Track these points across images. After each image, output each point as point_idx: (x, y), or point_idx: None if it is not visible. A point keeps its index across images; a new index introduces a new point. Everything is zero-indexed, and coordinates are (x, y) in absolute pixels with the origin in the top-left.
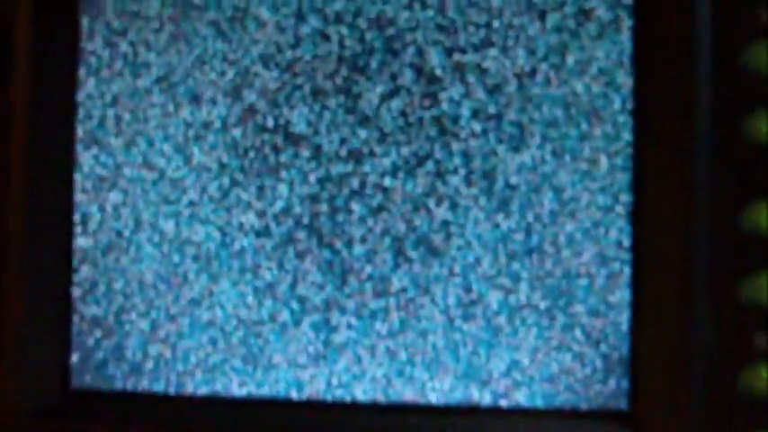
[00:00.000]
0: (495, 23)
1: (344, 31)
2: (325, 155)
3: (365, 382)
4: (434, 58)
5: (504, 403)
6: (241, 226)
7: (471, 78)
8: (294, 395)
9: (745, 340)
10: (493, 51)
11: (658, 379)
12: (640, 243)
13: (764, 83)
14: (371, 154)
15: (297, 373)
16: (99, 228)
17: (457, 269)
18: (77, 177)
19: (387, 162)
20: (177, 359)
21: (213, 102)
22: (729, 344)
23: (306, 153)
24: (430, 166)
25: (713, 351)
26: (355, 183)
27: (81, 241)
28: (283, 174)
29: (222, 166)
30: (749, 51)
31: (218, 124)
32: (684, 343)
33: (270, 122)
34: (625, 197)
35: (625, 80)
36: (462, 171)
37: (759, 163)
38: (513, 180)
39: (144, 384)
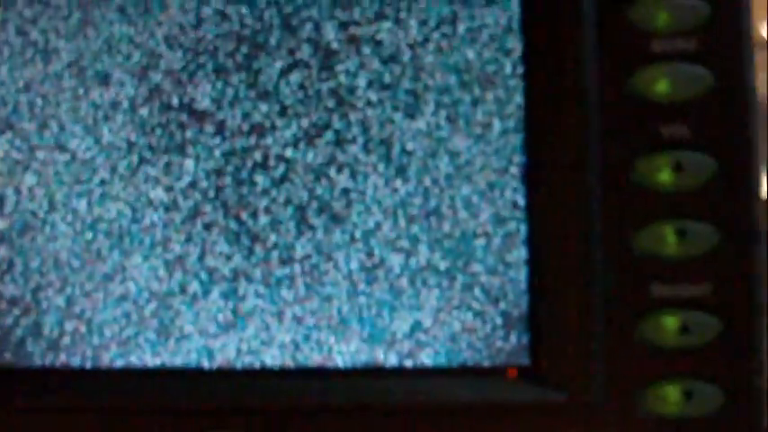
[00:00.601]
0: None
1: (244, 10)
2: (228, 130)
3: (273, 348)
4: (330, 32)
5: (409, 363)
6: (150, 201)
7: (366, 50)
8: (206, 363)
9: (643, 291)
10: (386, 23)
11: (558, 333)
12: (535, 201)
13: (650, 39)
14: (273, 127)
15: (208, 341)
16: (14, 209)
17: (358, 235)
18: None
19: (288, 134)
20: (93, 333)
21: (121, 83)
22: (627, 295)
23: (210, 129)
24: (329, 136)
25: (611, 303)
26: (258, 155)
27: None
28: (189, 149)
29: (131, 144)
30: (635, 9)
31: (126, 104)
32: (582, 296)
33: (175, 101)
34: (518, 158)
35: (515, 45)
36: (360, 139)
37: (648, 117)
38: (410, 146)
39: (62, 360)
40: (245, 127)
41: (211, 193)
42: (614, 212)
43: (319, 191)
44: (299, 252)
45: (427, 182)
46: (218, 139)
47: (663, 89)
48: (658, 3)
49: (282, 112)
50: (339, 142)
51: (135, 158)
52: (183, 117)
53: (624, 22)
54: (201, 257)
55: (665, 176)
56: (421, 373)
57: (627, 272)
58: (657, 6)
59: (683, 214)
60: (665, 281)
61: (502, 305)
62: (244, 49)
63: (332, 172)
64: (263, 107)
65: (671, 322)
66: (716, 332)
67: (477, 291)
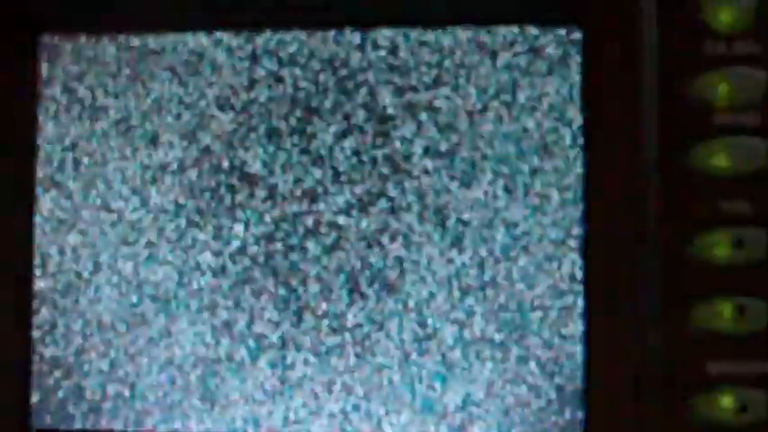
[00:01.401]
0: (446, 62)
1: (298, 72)
2: (279, 194)
3: (322, 417)
4: (386, 97)
5: None
6: (198, 266)
7: (423, 117)
8: (251, 431)
9: (699, 368)
10: (444, 90)
11: (613, 409)
12: (592, 275)
13: (710, 114)
14: (326, 192)
15: (254, 409)
16: (58, 269)
17: (411, 304)
18: (37, 220)
19: (341, 200)
20: (136, 397)
21: (170, 144)
22: (683, 372)
23: (261, 193)
24: (383, 203)
25: (667, 380)
26: (310, 221)
27: (40, 283)
28: (239, 214)
29: (179, 206)
30: (695, 83)
31: (174, 166)
32: (637, 372)
33: (225, 163)
34: (577, 230)
35: (575, 115)
36: (415, 208)
37: (708, 192)
38: (466, 216)
39: (103, 423)
40: (297, 192)
41: (261, 259)
42: (672, 287)
43: (372, 259)
44: (349, 321)
45: (483, 252)
46: (268, 204)
47: (723, 163)
48: (720, 76)
49: (335, 177)
50: (393, 210)
51: (183, 221)
52: (234, 180)
53: (685, 95)
54: (249, 324)
55: (723, 251)
56: None
57: (683, 349)
58: (719, 80)
59: (742, 291)
60: (722, 358)
61: (557, 379)
62: (297, 113)
63: (385, 240)
64: (316, 172)
65: (728, 401)
66: None
67: (531, 364)
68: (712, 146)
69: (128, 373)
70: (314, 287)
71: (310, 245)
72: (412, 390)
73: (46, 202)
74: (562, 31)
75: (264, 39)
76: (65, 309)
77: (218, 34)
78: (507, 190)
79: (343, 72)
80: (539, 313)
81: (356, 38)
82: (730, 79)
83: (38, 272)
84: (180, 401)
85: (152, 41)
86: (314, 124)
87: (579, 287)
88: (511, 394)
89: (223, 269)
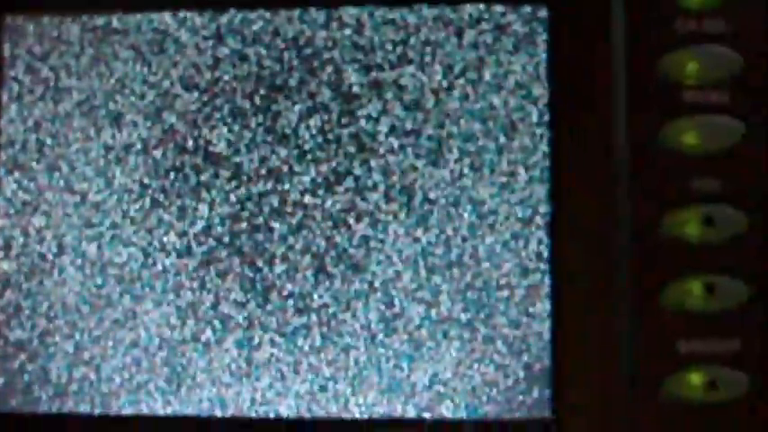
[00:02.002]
0: (412, 40)
1: (262, 50)
2: (244, 174)
3: (289, 398)
4: (352, 75)
5: (427, 416)
6: (163, 246)
7: (389, 95)
8: (218, 413)
9: (670, 347)
10: (410, 68)
11: (581, 387)
12: (559, 253)
13: (679, 92)
14: (291, 172)
15: (221, 390)
16: (22, 252)
17: (377, 284)
18: (0, 202)
19: (306, 180)
20: (102, 380)
21: (134, 124)
22: (653, 351)
23: (226, 173)
24: (349, 182)
25: (636, 359)
26: (275, 201)
27: (4, 265)
28: (204, 194)
29: (143, 187)
30: (664, 61)
31: (138, 146)
32: (606, 351)
33: (190, 143)
34: (544, 208)
35: (541, 92)
36: (381, 187)
37: (677, 170)
38: (432, 194)
39: (69, 406)
40: (262, 171)
41: (226, 239)
42: (641, 266)
43: (338, 239)
44: (316, 301)
45: (449, 231)
46: (233, 184)
47: (692, 141)
48: (689, 53)
49: (301, 156)
50: (359, 189)
51: (147, 202)
52: (198, 160)
53: (654, 73)
54: (215, 305)
55: (693, 229)
56: (440, 425)
57: (653, 327)
58: (688, 57)
59: (712, 269)
60: (692, 336)
61: (524, 358)
62: (262, 92)
63: (351, 220)
64: (282, 151)
65: (698, 379)
66: (744, 389)
67: (499, 343)
68: (681, 124)
69: (93, 356)
70: (280, 267)
71: (276, 224)
72: (379, 370)
73: (9, 184)
74: (528, 9)
75: (229, 17)
76: (29, 291)
77: (183, 13)
78: (474, 168)
79: (308, 51)
80: (505, 292)
81: (321, 16)
82: (699, 57)
83: (1, 254)
84: (146, 383)
85: (116, 21)
86: (279, 103)
87: (546, 266)
88: (478, 373)
89: (188, 250)
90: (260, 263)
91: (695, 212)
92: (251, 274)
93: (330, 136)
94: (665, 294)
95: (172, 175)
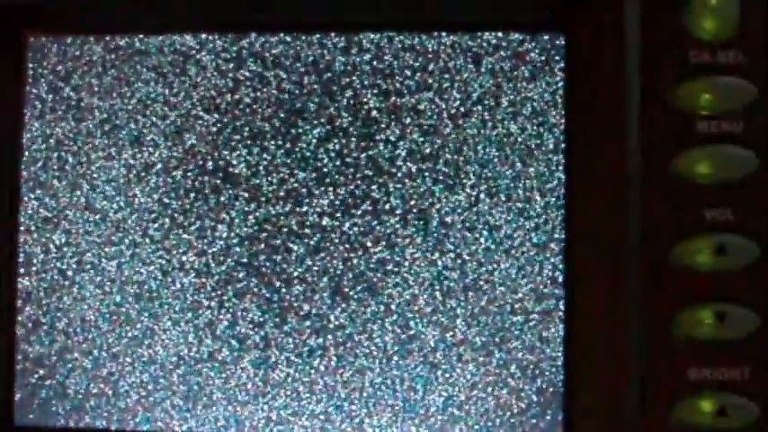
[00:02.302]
0: (431, 67)
1: (282, 74)
2: (263, 195)
3: (304, 418)
4: (371, 100)
5: None
6: (182, 266)
7: (407, 120)
8: (234, 431)
9: (680, 374)
10: (428, 94)
11: (593, 411)
12: (573, 279)
13: (693, 122)
14: (309, 194)
15: (236, 409)
16: (42, 268)
17: (393, 307)
18: (22, 218)
19: (324, 202)
20: (119, 396)
21: (154, 144)
22: (664, 378)
23: (245, 194)
24: (367, 205)
25: (648, 385)
26: (293, 223)
27: (25, 281)
28: (223, 214)
29: (163, 206)
30: (679, 91)
31: (159, 166)
32: (619, 376)
33: (210, 164)
34: (558, 234)
35: (558, 120)
36: (399, 210)
37: (690, 199)
38: (449, 219)
39: (86, 421)
40: (281, 193)
41: (244, 260)
42: (653, 294)
43: (355, 261)
44: (332, 322)
45: (465, 255)
46: (252, 205)
47: (705, 171)
48: (703, 84)
49: (319, 179)
50: (376, 213)
51: (167, 221)
52: (218, 181)
53: (668, 102)
54: (232, 324)
55: (705, 258)
56: None
57: (664, 354)
58: (702, 88)
59: (724, 298)
60: (702, 364)
61: (538, 382)
62: (281, 114)
63: (368, 242)
64: (300, 174)
65: (708, 406)
66: (754, 417)
67: (513, 367)
68: (695, 153)
69: (111, 372)
70: (297, 288)
71: (294, 246)
72: (393, 391)
73: (31, 201)
74: (546, 37)
75: (250, 40)
76: (49, 307)
77: (204, 35)
78: (490, 194)
79: (328, 75)
80: (520, 316)
81: (341, 41)
82: (713, 88)
83: (22, 270)
84: (162, 401)
85: (138, 42)
86: (298, 126)
87: (560, 291)
88: (492, 396)
89: (207, 269)
90: (277, 284)
91: (707, 242)
92: (268, 295)
93: (348, 159)
94: (677, 322)
95: (191, 195)
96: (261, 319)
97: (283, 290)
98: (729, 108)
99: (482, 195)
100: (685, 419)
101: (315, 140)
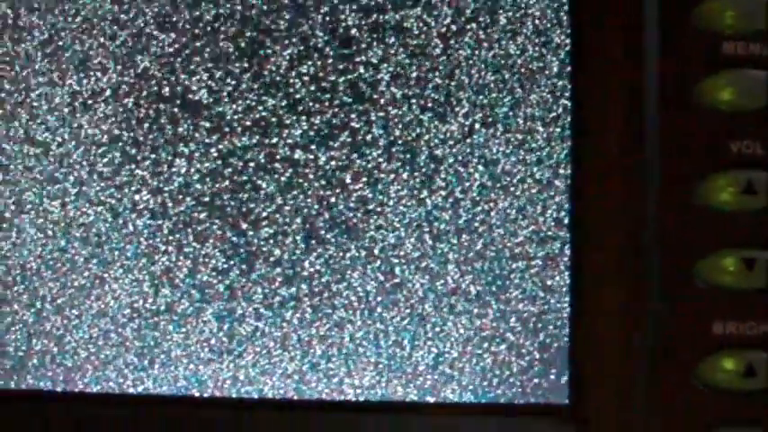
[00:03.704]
0: None
1: None
2: (227, 125)
3: (275, 377)
4: (349, 16)
5: (430, 400)
6: (134, 206)
7: (391, 39)
8: (196, 393)
9: (703, 329)
10: (415, 10)
11: (603, 371)
12: (581, 220)
13: (717, 44)
14: (280, 124)
15: (198, 367)
16: None
17: (376, 251)
18: None
19: (297, 133)
20: (65, 354)
21: (103, 68)
22: (685, 333)
23: (206, 124)
24: (345, 136)
25: (666, 341)
26: (262, 156)
27: None
28: (181, 147)
29: (113, 138)
30: (703, 9)
31: (108, 93)
32: (632, 332)
33: (166, 90)
34: (564, 169)
35: (563, 40)
36: (381, 142)
37: (714, 130)
38: (439, 152)
39: (28, 382)
40: (247, 123)
41: (206, 199)
42: (672, 237)
43: (332, 200)
44: (306, 269)
45: (458, 193)
46: (215, 137)
47: (730, 98)
48: (726, 2)
49: (291, 107)
50: (356, 144)
51: (118, 155)
52: (175, 109)
53: (690, 20)
54: (193, 272)
55: (731, 197)
56: (444, 410)
57: (685, 306)
58: (726, 4)
59: (752, 242)
60: (728, 317)
61: (540, 337)
62: (247, 33)
63: (347, 178)
64: (269, 101)
65: (733, 364)
66: None
67: (512, 319)
68: (719, 79)
69: (55, 327)
70: (266, 231)
71: (262, 183)
72: (376, 347)
73: None
74: None
75: None
76: None
77: None
78: (486, 123)
79: None
80: (520, 262)
81: None
82: (737, 6)
83: None
84: (114, 359)
85: None
86: (267, 47)
87: (566, 234)
88: (488, 353)
89: (163, 210)
90: (244, 225)
91: (733, 178)
92: (234, 239)
93: (324, 84)
94: (699, 269)
95: (145, 125)
96: (225, 266)
97: (250, 233)
98: (756, 27)
99: (477, 125)
100: (709, 379)
101: (285, 63)
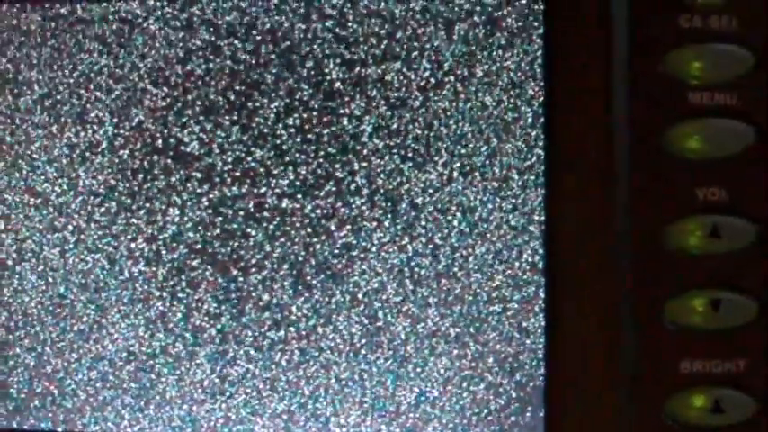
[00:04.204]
0: (398, 34)
1: (237, 43)
2: (218, 176)
3: (265, 417)
4: (333, 71)
5: None
6: (130, 253)
7: (373, 93)
8: None
9: (672, 367)
10: (395, 64)
11: (578, 408)
12: (555, 265)
13: (684, 93)
14: (268, 174)
15: (192, 408)
16: None
17: (360, 296)
18: None
19: (284, 183)
20: (65, 395)
21: (99, 121)
22: (655, 371)
23: (198, 174)
24: (330, 186)
25: (636, 380)
26: (251, 205)
27: None
28: (174, 197)
29: (109, 189)
30: (669, 60)
31: (104, 145)
32: (605, 370)
33: (159, 142)
34: (538, 216)
35: (536, 92)
36: (365, 191)
37: (681, 178)
38: (419, 200)
39: (30, 422)
40: (237, 173)
41: (198, 246)
42: (642, 280)
43: (318, 246)
44: (294, 313)
45: (437, 240)
46: (206, 187)
47: (697, 146)
48: (694, 51)
49: (278, 158)
50: (341, 193)
51: (114, 205)
52: (168, 161)
53: (657, 72)
54: (186, 316)
55: (698, 241)
56: None
57: (654, 345)
58: (693, 55)
59: (718, 284)
60: (696, 356)
61: (517, 376)
62: (236, 87)
63: (332, 226)
64: (258, 152)
65: (701, 401)
66: (751, 412)
67: (490, 360)
68: (686, 127)
69: (56, 369)
70: (255, 277)
71: (251, 231)
72: (361, 387)
73: None
74: (523, 1)
75: (200, 6)
76: None
77: (151, 2)
78: (464, 172)
79: (287, 43)
80: (497, 305)
81: (300, 6)
82: (705, 56)
83: None
84: (112, 400)
85: (79, 9)
86: (255, 100)
87: (541, 278)
88: (468, 392)
89: (157, 257)
90: (234, 272)
91: (700, 223)
92: (225, 284)
93: (310, 136)
94: (668, 310)
95: (140, 176)
96: (217, 311)
97: (240, 278)
98: (722, 78)
99: (455, 174)
100: (678, 415)
101: (273, 115)
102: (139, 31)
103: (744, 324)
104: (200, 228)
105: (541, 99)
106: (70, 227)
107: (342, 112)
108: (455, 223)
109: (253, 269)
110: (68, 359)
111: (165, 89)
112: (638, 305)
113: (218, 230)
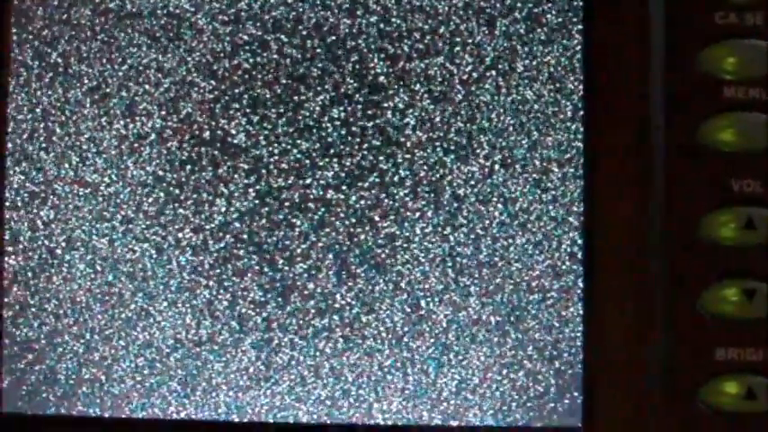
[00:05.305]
0: (441, 29)
1: (284, 37)
2: (264, 167)
3: (309, 403)
4: (378, 65)
5: (454, 423)
6: (178, 242)
7: (416, 86)
8: (235, 418)
9: (706, 354)
10: (438, 59)
11: (614, 395)
12: (593, 255)
13: (719, 88)
14: (313, 166)
15: (237, 394)
16: (29, 246)
17: (403, 285)
18: (7, 194)
19: (329, 174)
20: (112, 382)
21: (148, 113)
22: (688, 359)
23: (244, 166)
24: (374, 177)
25: (671, 366)
26: (296, 196)
27: (11, 260)
28: (221, 188)
29: (157, 180)
30: (705, 55)
31: (153, 137)
32: (641, 357)
33: (207, 134)
34: (578, 207)
35: (575, 86)
36: (408, 183)
37: (716, 170)
38: (461, 191)
39: (78, 408)
40: (283, 165)
41: (244, 236)
42: (677, 270)
43: (362, 237)
44: (338, 302)
45: (479, 230)
46: (252, 178)
47: (730, 139)
48: (729, 47)
49: (324, 150)
50: (384, 185)
51: (162, 195)
52: (216, 152)
53: (693, 67)
54: (232, 305)
55: (732, 232)
56: None
57: (689, 333)
58: (727, 51)
59: (752, 274)
60: (729, 344)
61: (555, 364)
62: (282, 81)
63: (376, 217)
64: (303, 144)
65: (735, 388)
66: None
67: (529, 348)
68: (720, 121)
69: (104, 356)
70: (300, 266)
71: (297, 221)
72: (404, 374)
73: (16, 175)
74: None
75: (248, 2)
76: (37, 288)
77: None
78: (505, 164)
79: (332, 38)
80: (537, 294)
81: (346, 2)
82: (739, 51)
83: (9, 248)
84: (159, 386)
85: (129, 3)
86: (301, 93)
87: (580, 268)
88: (507, 379)
89: (204, 246)
90: (280, 261)
91: (735, 214)
92: (270, 273)
93: (354, 128)
94: (703, 300)
95: (188, 167)
96: (262, 299)
97: (286, 268)
98: (756, 73)
99: (496, 166)
100: (712, 402)
101: (318, 108)
102: (187, 25)
103: None
104: (246, 218)
105: (580, 93)
106: (119, 216)
107: (386, 105)
108: (496, 214)
109: (298, 258)
110: (116, 346)
111: (212, 82)
112: (673, 294)
113: (263, 221)
